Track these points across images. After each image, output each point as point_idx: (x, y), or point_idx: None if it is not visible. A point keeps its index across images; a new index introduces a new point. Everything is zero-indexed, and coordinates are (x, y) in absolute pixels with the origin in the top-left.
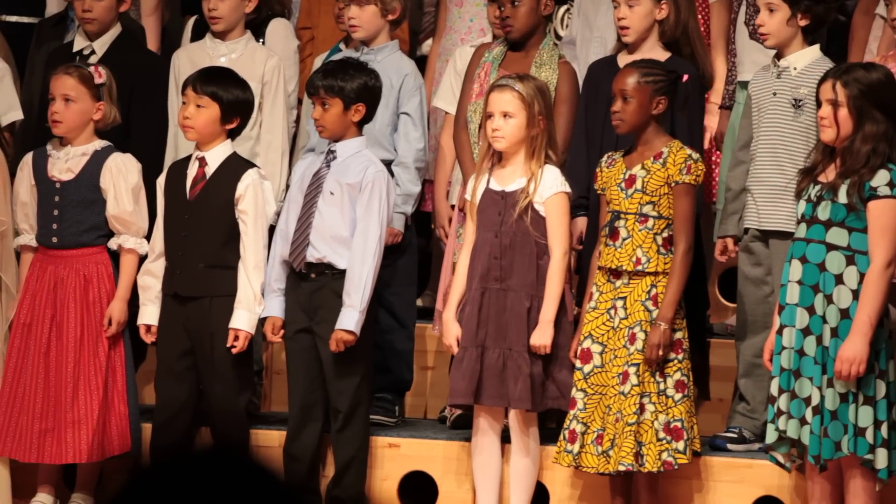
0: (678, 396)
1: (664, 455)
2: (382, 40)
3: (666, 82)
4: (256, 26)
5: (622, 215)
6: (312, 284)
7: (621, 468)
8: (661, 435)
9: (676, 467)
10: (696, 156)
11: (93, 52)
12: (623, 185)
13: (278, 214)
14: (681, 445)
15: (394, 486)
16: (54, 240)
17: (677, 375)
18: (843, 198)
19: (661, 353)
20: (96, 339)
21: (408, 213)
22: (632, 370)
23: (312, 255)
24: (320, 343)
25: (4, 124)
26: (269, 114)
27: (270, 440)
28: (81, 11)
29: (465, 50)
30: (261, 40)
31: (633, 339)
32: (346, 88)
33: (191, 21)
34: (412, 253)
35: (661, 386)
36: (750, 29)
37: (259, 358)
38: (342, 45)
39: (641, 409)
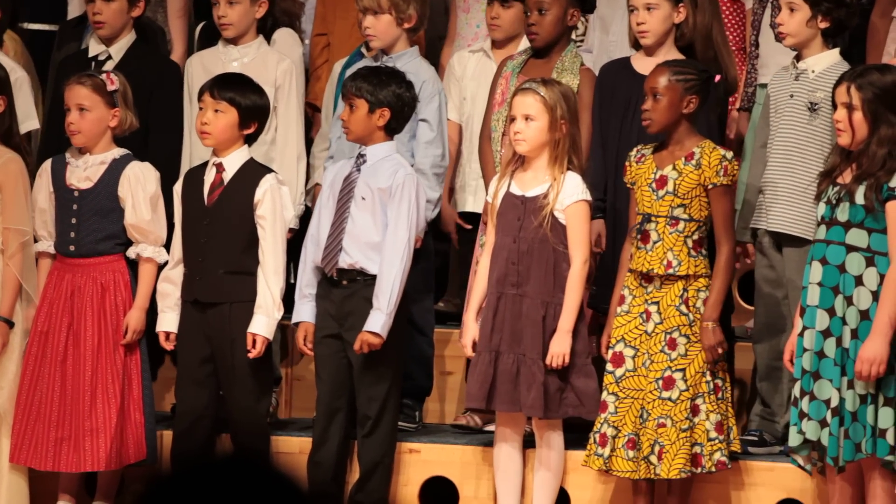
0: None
1: (716, 455)
2: (401, 47)
3: (698, 82)
4: (263, 35)
5: (653, 218)
6: (344, 291)
7: (683, 475)
8: (713, 435)
9: (729, 466)
10: (729, 155)
11: (109, 58)
12: (654, 185)
13: (299, 218)
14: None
15: (415, 491)
16: (72, 248)
17: (711, 378)
18: (860, 199)
19: (719, 351)
20: (113, 348)
21: (428, 217)
22: (678, 375)
23: (345, 261)
24: (350, 349)
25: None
26: (284, 117)
27: (291, 447)
28: (92, 15)
29: (463, 55)
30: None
31: (672, 344)
32: (373, 91)
33: (199, 27)
34: (429, 259)
35: (711, 386)
36: (775, 31)
37: (276, 366)
38: (364, 50)
39: (695, 410)
